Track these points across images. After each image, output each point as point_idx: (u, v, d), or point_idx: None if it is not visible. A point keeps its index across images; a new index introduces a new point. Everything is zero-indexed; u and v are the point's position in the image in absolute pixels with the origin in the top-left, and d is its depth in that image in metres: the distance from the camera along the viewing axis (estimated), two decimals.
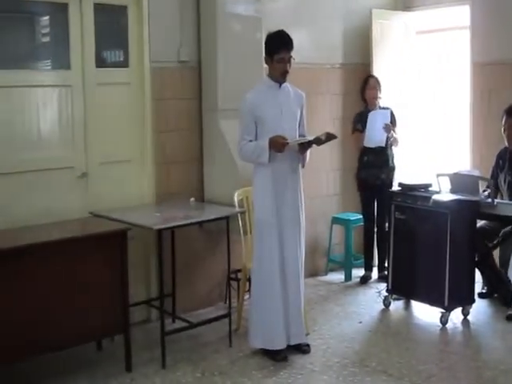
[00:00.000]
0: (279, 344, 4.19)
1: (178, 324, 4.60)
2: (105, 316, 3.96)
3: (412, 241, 4.91)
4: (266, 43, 4.22)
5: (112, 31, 4.87)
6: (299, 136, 4.25)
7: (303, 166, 4.33)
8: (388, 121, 5.57)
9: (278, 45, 4.12)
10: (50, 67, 4.59)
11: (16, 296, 3.64)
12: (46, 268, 3.73)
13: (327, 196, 6.08)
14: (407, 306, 5.20)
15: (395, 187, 5.35)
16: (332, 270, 6.10)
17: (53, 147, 4.43)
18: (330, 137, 4.18)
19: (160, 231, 4.09)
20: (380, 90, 5.72)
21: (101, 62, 4.69)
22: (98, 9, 4.60)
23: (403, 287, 5.06)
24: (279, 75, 4.17)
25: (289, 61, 4.13)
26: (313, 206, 5.59)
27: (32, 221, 4.19)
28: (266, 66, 4.29)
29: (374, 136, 5.54)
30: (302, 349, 4.31)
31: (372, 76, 5.86)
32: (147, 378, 4.00)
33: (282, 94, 4.21)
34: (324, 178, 6.04)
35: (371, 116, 5.52)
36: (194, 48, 5.00)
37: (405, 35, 6.39)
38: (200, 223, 4.50)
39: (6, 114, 4.22)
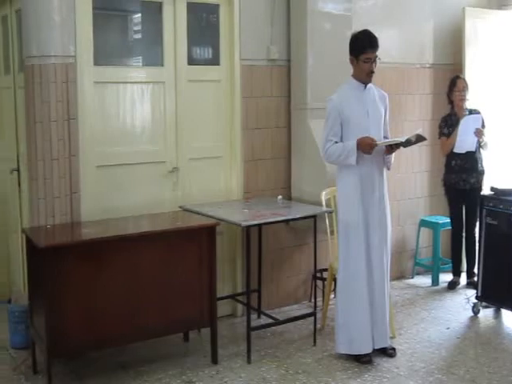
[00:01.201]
0: (365, 348, 4.13)
1: (263, 320, 4.64)
2: (193, 308, 4.03)
3: (504, 247, 4.74)
4: (351, 43, 4.16)
5: (204, 29, 4.95)
6: (383, 137, 4.18)
7: (388, 169, 4.25)
8: (480, 125, 5.39)
9: (364, 44, 4.06)
10: (144, 64, 4.71)
11: (110, 286, 3.75)
12: (137, 259, 3.83)
13: (415, 198, 5.96)
14: (497, 315, 5.02)
15: (485, 191, 5.18)
16: (418, 274, 6.00)
17: (146, 142, 4.54)
18: (419, 138, 4.07)
19: (248, 228, 4.11)
20: (468, 92, 5.54)
21: (192, 60, 4.76)
22: (191, 7, 4.68)
23: (494, 295, 4.88)
24: (365, 75, 4.11)
25: (374, 60, 4.07)
26: (400, 207, 5.50)
27: (125, 212, 4.33)
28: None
29: (465, 142, 5.38)
30: (388, 352, 4.24)
31: (460, 77, 5.66)
32: (232, 371, 4.04)
33: (367, 94, 4.16)
34: (412, 180, 5.92)
35: (463, 122, 5.34)
36: (283, 46, 5.02)
37: (500, 35, 6.18)
38: (287, 221, 4.50)
39: (103, 109, 4.35)
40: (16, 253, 4.96)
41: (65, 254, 3.62)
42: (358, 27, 4.35)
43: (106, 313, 3.74)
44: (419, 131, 4.08)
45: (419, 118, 5.88)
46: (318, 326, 4.53)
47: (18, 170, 4.77)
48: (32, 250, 3.82)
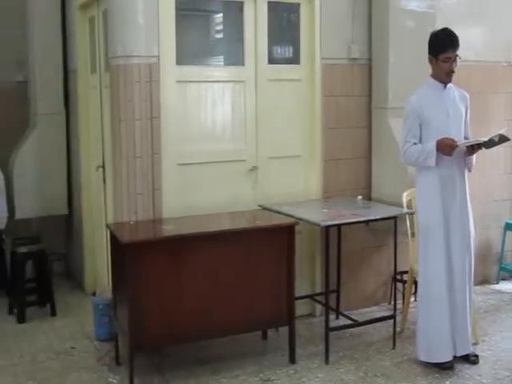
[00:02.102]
0: (445, 356, 4.01)
1: (342, 321, 4.61)
2: (271, 307, 4.03)
3: None
4: (430, 42, 4.03)
5: (284, 28, 4.96)
6: (463, 138, 4.06)
7: (470, 170, 4.11)
8: None
9: (445, 43, 3.93)
10: (225, 63, 4.76)
11: (189, 282, 3.81)
12: (216, 257, 3.87)
13: (501, 200, 5.75)
14: None
15: None
16: (504, 279, 5.79)
17: (226, 140, 4.58)
18: (502, 139, 3.91)
19: (327, 227, 4.07)
20: None
21: (273, 59, 4.76)
22: (272, 6, 4.68)
23: None
24: (445, 75, 3.99)
25: (455, 60, 3.94)
26: (484, 210, 5.32)
27: (205, 210, 4.38)
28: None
29: None
30: (471, 359, 4.10)
31: None
32: (310, 371, 4.02)
33: (447, 95, 4.04)
34: (498, 182, 5.71)
35: None
36: (364, 45, 4.96)
37: None
38: (367, 222, 4.44)
39: (185, 108, 4.41)
40: (101, 247, 5.11)
41: (147, 249, 3.70)
42: (441, 25, 4.21)
43: (186, 308, 3.80)
44: (503, 131, 3.92)
45: (505, 117, 5.66)
46: (398, 329, 4.44)
47: (104, 167, 4.92)
48: (116, 244, 3.92)
